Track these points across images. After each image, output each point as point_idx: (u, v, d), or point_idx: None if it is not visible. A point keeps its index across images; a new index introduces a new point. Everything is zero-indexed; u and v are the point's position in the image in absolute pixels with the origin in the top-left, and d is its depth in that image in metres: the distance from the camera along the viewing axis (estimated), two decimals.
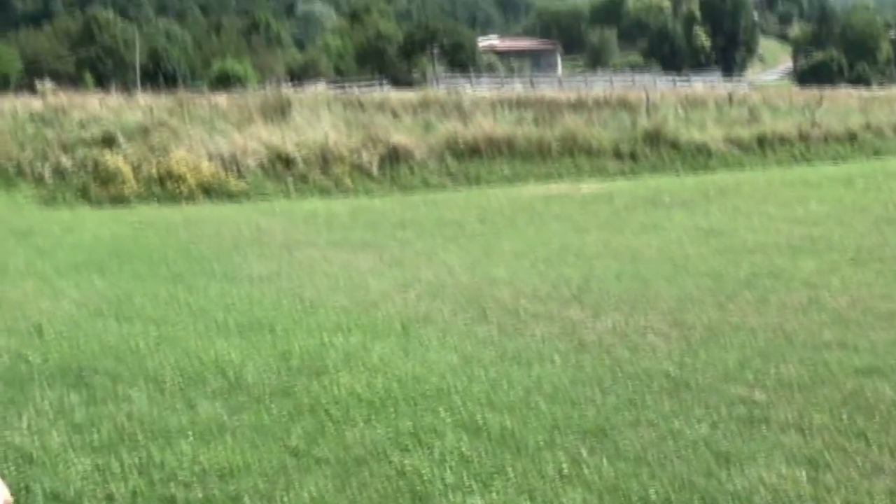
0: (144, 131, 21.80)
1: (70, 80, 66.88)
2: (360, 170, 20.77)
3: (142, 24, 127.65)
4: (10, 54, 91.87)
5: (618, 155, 24.02)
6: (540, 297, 9.47)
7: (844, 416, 5.79)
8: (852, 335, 7.68)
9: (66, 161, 19.97)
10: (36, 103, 27.14)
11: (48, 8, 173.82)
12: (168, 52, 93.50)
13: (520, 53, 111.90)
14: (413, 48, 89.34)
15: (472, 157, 22.35)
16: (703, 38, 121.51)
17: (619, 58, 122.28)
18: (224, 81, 63.97)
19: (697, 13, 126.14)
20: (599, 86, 51.39)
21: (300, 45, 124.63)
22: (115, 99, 28.91)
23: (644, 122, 26.11)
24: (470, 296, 9.59)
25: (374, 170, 20.85)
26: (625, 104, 29.61)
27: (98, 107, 25.66)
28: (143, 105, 26.37)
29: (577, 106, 28.64)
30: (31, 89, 38.36)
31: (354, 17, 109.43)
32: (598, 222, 15.37)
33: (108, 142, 21.02)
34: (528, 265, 11.37)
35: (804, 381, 6.53)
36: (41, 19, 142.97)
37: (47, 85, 32.72)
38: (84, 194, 18.90)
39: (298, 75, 72.92)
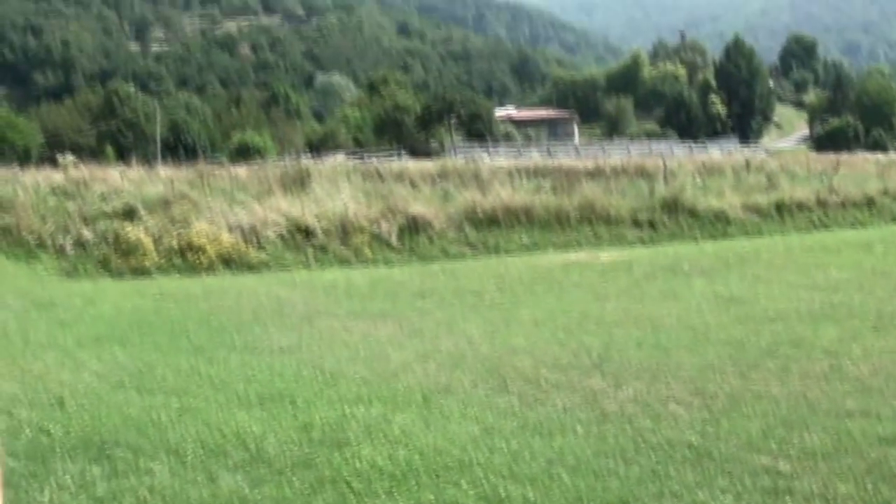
0: (165, 203, 21.99)
1: (91, 153, 67.72)
2: (379, 240, 20.85)
3: (162, 97, 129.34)
4: (31, 128, 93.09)
5: (636, 223, 24.07)
6: (561, 366, 9.45)
7: (869, 486, 5.74)
8: (875, 403, 7.63)
9: (87, 233, 20.11)
10: (57, 176, 27.46)
11: (69, 83, 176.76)
12: (188, 125, 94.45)
13: (537, 122, 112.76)
14: (430, 119, 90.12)
15: (490, 227, 22.43)
16: (718, 105, 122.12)
17: (635, 126, 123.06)
18: (244, 153, 64.66)
19: (713, 81, 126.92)
20: (617, 154, 51.69)
21: (319, 116, 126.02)
22: (136, 172, 29.22)
23: (662, 190, 26.20)
24: (490, 366, 9.57)
25: (394, 240, 20.93)
26: (642, 172, 29.78)
27: (119, 179, 25.95)
28: (163, 178, 26.65)
29: (595, 174, 28.82)
30: (53, 163, 38.82)
31: (372, 88, 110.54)
32: (617, 290, 15.36)
33: (129, 214, 21.20)
34: (549, 334, 11.35)
35: (828, 450, 6.48)
36: (62, 94, 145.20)
37: (69, 158, 33.11)
38: (105, 266, 19.01)
39: (317, 146, 73.55)
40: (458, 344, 10.79)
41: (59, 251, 19.65)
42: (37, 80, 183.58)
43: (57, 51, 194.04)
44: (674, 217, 24.63)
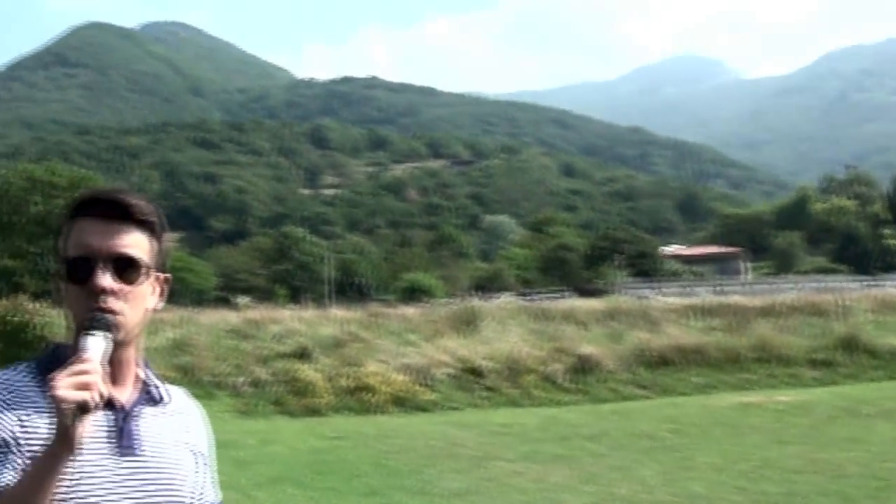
0: (338, 344, 22.42)
1: (264, 294, 69.88)
2: (548, 380, 20.72)
3: (333, 239, 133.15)
4: (206, 270, 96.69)
5: (812, 363, 23.31)
6: None
7: None
8: None
9: (262, 373, 20.58)
10: (232, 317, 28.34)
11: (243, 227, 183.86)
12: (358, 266, 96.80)
13: (704, 260, 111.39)
14: (596, 257, 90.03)
15: (662, 367, 22.07)
16: (891, 238, 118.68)
17: (806, 262, 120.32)
18: (412, 293, 65.62)
19: (885, 214, 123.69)
20: (788, 291, 50.54)
21: (485, 256, 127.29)
22: (308, 312, 29.96)
23: (837, 328, 25.39)
24: None
25: (563, 380, 20.77)
26: (816, 309, 28.95)
27: (292, 320, 26.60)
28: (335, 318, 27.22)
29: (768, 312, 28.15)
30: (227, 303, 40.20)
31: (537, 228, 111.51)
32: (797, 434, 14.86)
33: (303, 355, 21.67)
34: (728, 480, 11.03)
35: None
36: (236, 238, 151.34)
37: (244, 300, 34.26)
38: (279, 405, 19.35)
39: (484, 286, 74.17)
40: (634, 490, 10.58)
41: (235, 390, 20.12)
42: (212, 225, 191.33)
43: (232, 197, 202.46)
44: (851, 356, 23.78)
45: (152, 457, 2.19)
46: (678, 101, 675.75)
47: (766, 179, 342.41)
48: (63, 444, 1.83)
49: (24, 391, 2.10)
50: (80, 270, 2.10)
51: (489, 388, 20.26)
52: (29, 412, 2.06)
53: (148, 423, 2.23)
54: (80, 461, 1.97)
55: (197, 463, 2.37)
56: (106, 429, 2.11)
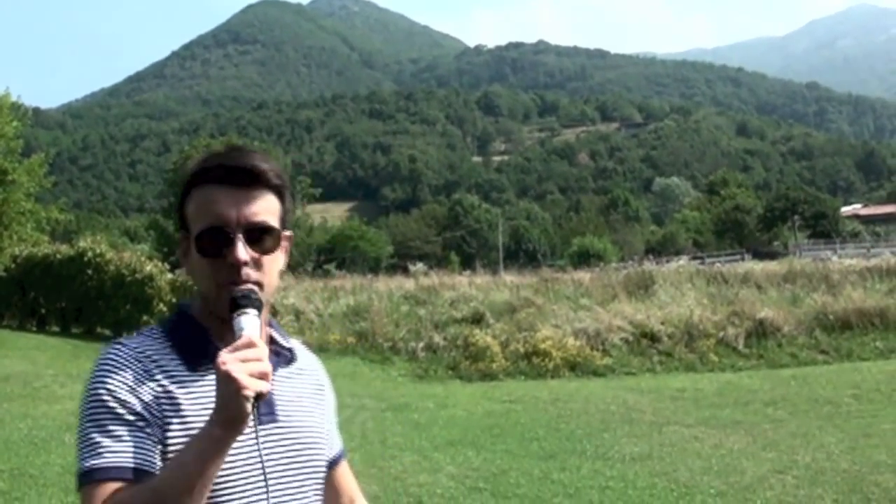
0: (511, 309, 22.50)
1: (437, 260, 70.74)
2: (725, 345, 20.35)
3: (503, 206, 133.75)
4: (380, 238, 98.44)
5: None
6: None
7: None
8: None
9: (437, 338, 20.84)
10: (408, 284, 28.78)
11: (416, 195, 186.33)
12: (529, 232, 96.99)
13: (885, 219, 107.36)
14: (773, 219, 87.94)
15: (842, 331, 21.38)
16: None
17: None
18: (584, 258, 65.38)
19: None
20: None
21: (658, 220, 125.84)
22: (481, 278, 30.17)
23: None
24: (852, 483, 9.08)
25: (741, 345, 20.37)
26: None
27: (466, 286, 26.83)
28: (508, 284, 27.33)
29: None
30: (403, 270, 40.83)
31: (711, 190, 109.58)
32: None
33: (477, 320, 21.86)
34: None
35: None
36: (409, 206, 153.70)
37: (419, 267, 34.74)
38: (454, 370, 19.56)
39: (657, 250, 73.34)
40: (816, 457, 10.31)
41: (411, 355, 20.43)
42: (386, 194, 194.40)
43: (404, 166, 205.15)
44: None
45: (291, 420, 2.12)
46: (855, 54, 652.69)
47: None
48: (233, 427, 1.77)
49: (156, 359, 2.02)
50: (215, 242, 2.00)
51: (664, 353, 20.03)
52: (164, 381, 1.99)
53: (283, 386, 2.14)
54: None
55: (330, 419, 2.34)
56: None
